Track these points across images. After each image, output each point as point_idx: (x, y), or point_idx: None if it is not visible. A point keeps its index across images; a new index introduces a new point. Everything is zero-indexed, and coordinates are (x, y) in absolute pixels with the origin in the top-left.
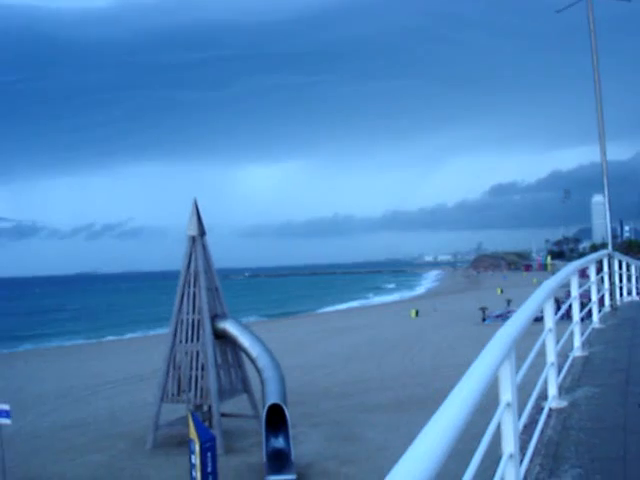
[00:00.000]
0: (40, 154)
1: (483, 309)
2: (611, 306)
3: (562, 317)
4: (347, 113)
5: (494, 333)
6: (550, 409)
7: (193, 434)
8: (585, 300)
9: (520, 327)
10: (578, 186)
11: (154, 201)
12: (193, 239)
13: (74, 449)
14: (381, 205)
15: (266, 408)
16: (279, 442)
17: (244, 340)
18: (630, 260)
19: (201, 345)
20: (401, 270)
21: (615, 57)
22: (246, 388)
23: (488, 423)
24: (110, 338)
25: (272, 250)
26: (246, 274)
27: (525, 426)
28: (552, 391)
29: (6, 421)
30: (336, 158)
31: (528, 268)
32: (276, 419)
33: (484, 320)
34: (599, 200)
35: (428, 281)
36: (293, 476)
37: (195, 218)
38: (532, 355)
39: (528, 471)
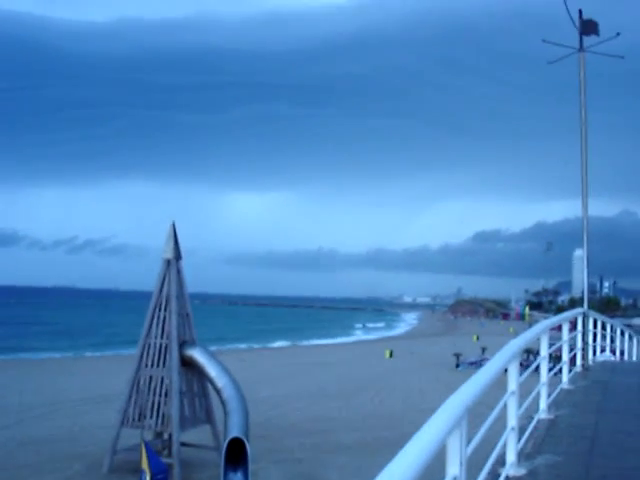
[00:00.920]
0: (26, 163)
1: (457, 355)
2: (582, 366)
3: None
4: (338, 148)
5: (466, 380)
6: (507, 477)
7: (145, 465)
8: (557, 353)
9: (475, 394)
10: (561, 239)
11: (138, 220)
12: (168, 262)
13: (28, 467)
14: (365, 242)
15: (227, 441)
16: (237, 477)
17: (211, 369)
18: (605, 319)
19: (167, 371)
20: (380, 309)
21: (608, 113)
22: (209, 418)
23: None
24: (79, 354)
25: (253, 279)
26: (220, 301)
27: None
28: (510, 457)
29: None
30: (324, 192)
31: (506, 317)
32: (237, 453)
33: (457, 366)
34: (581, 254)
35: (406, 322)
36: None
37: (172, 241)
38: (490, 420)
39: None
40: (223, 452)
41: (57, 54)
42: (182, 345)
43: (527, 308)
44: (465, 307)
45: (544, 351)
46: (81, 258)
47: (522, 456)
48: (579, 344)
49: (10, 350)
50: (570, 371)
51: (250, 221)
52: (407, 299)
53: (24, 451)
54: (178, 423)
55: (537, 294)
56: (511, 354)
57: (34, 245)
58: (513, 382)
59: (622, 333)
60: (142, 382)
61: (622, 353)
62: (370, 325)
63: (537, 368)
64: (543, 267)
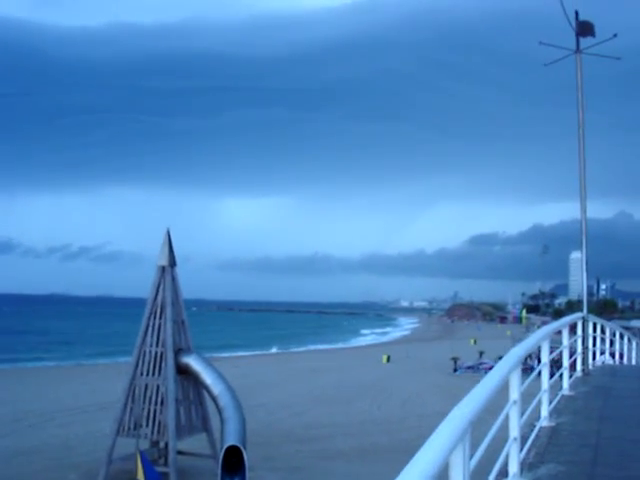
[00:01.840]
0: (21, 170)
1: (455, 359)
2: (583, 371)
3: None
4: (333, 152)
5: (464, 384)
6: None
7: (140, 475)
8: (556, 357)
9: (478, 407)
10: (558, 241)
11: (132, 227)
12: (163, 269)
13: (23, 477)
14: (361, 247)
15: (224, 449)
16: None
17: (207, 377)
18: (604, 322)
19: (162, 379)
20: (376, 314)
21: (604, 115)
22: (205, 426)
23: None
24: (74, 363)
25: (249, 284)
26: (214, 307)
27: None
28: (513, 468)
29: None
30: (319, 197)
31: (503, 320)
32: (234, 461)
33: (455, 371)
34: (577, 257)
35: (402, 327)
36: None
37: (166, 248)
38: (492, 431)
39: None
40: (220, 460)
41: (50, 60)
42: (178, 353)
43: (524, 311)
44: (462, 311)
45: (545, 357)
46: (75, 265)
47: (525, 466)
48: (579, 349)
49: (5, 359)
50: (570, 376)
51: (245, 227)
52: (404, 303)
53: (19, 461)
54: (174, 431)
55: (534, 297)
56: (513, 363)
57: (28, 253)
58: (515, 391)
59: (621, 336)
60: (138, 390)
61: (621, 356)
62: (367, 330)
63: (538, 373)
64: (540, 270)
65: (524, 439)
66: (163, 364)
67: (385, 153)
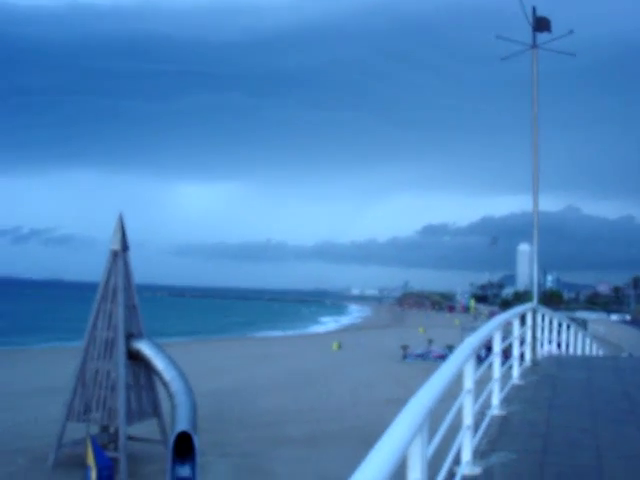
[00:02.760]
0: None
1: (404, 347)
2: (532, 361)
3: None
4: (288, 140)
5: (413, 372)
6: (463, 477)
7: (91, 460)
8: (506, 347)
9: (436, 396)
10: (507, 233)
11: (85, 210)
12: (115, 254)
13: None
14: (314, 235)
15: (174, 435)
16: (185, 470)
17: (158, 362)
18: (552, 313)
19: (113, 364)
20: (328, 301)
21: (557, 110)
22: (156, 412)
23: None
24: (22, 347)
25: (201, 270)
26: (165, 293)
27: None
28: (466, 456)
29: None
30: (273, 183)
31: (452, 309)
32: (184, 446)
33: (405, 358)
34: (525, 248)
35: (353, 314)
36: None
37: (119, 232)
38: (448, 420)
39: None
40: (170, 446)
41: (5, 38)
42: (129, 338)
43: (472, 301)
44: (412, 300)
45: (497, 347)
46: (26, 248)
47: (477, 454)
48: (528, 339)
49: None
50: (519, 366)
51: (199, 212)
52: (355, 291)
53: None
54: (125, 417)
55: (482, 287)
56: (468, 353)
57: None
58: (469, 380)
59: (568, 327)
60: (88, 375)
61: (567, 346)
62: (318, 317)
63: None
64: (488, 261)
65: (476, 428)
66: (114, 349)
67: (339, 141)
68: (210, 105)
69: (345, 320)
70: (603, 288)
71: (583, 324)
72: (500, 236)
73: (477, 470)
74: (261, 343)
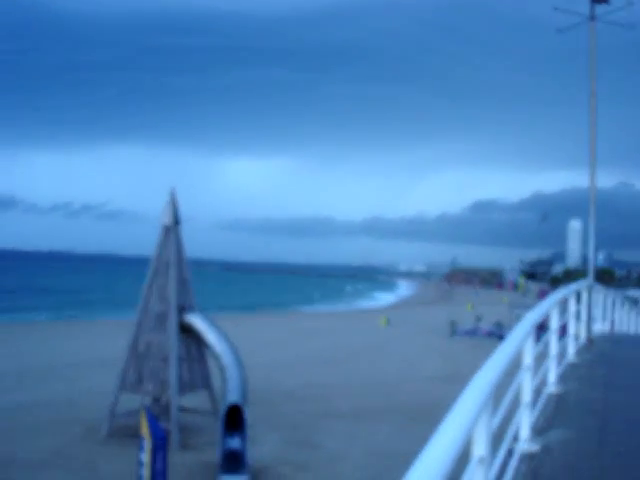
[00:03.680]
0: (24, 127)
1: (452, 323)
2: (587, 339)
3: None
4: (337, 115)
5: (461, 348)
6: (522, 453)
7: (145, 431)
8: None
9: (500, 371)
10: (558, 209)
11: (135, 185)
12: (167, 228)
13: (27, 431)
14: (362, 210)
15: (225, 407)
16: (235, 442)
17: (209, 335)
18: (608, 292)
19: (165, 337)
20: (376, 277)
21: (610, 85)
22: (207, 384)
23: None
24: (77, 318)
25: (250, 245)
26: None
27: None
28: (525, 433)
29: None
30: (322, 159)
31: (500, 286)
32: (234, 419)
33: (453, 334)
34: (575, 225)
35: (401, 290)
36: (246, 478)
37: (171, 207)
38: (509, 396)
39: None
40: (221, 417)
41: (57, 16)
42: (181, 311)
43: (521, 278)
44: (460, 276)
45: (555, 325)
46: (79, 223)
47: (535, 431)
48: (584, 317)
49: (6, 314)
50: (575, 344)
51: (248, 187)
52: (403, 267)
53: (23, 415)
54: (176, 388)
55: (532, 264)
56: (528, 329)
57: (31, 209)
58: (528, 357)
59: (622, 305)
60: (141, 347)
61: (621, 325)
62: (365, 292)
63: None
64: (538, 237)
65: (533, 405)
66: (166, 322)
67: (389, 117)
68: (258, 80)
69: (393, 296)
70: None
71: (634, 302)
72: (550, 212)
73: (535, 447)
74: (310, 318)
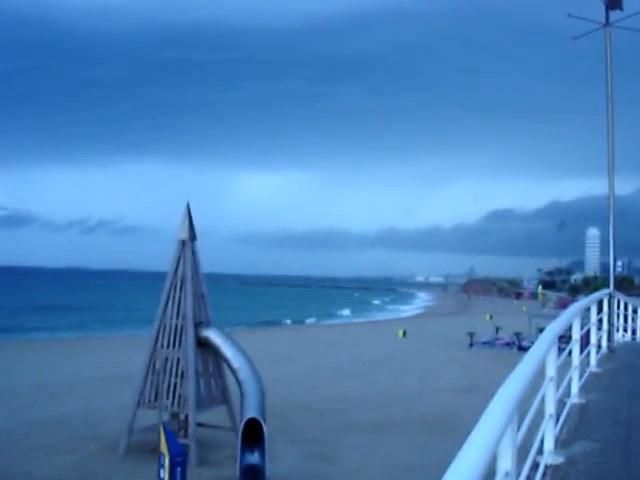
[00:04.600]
0: (40, 144)
1: (471, 334)
2: (608, 348)
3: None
4: (351, 127)
5: (480, 359)
6: (546, 466)
7: (164, 447)
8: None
9: (524, 384)
10: (575, 218)
11: (150, 200)
12: (183, 243)
13: (44, 448)
14: (378, 222)
15: (244, 422)
16: (254, 457)
17: (227, 350)
18: (629, 300)
19: (182, 352)
20: (392, 289)
21: (622, 90)
22: (225, 399)
23: None
24: (93, 335)
25: (265, 259)
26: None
27: None
28: (549, 445)
29: None
30: (337, 171)
31: (519, 296)
32: (253, 433)
33: (471, 346)
34: (594, 233)
35: (418, 302)
36: None
37: (187, 222)
38: (533, 409)
39: None
40: (240, 432)
41: (69, 32)
42: (197, 325)
43: (540, 287)
44: (477, 286)
45: (576, 334)
46: (94, 239)
47: (559, 442)
48: (605, 326)
49: (24, 331)
50: (597, 353)
51: (263, 201)
52: (419, 278)
53: (39, 432)
54: (194, 404)
55: (550, 273)
56: (550, 340)
57: (47, 226)
58: (551, 368)
59: None
60: (158, 363)
61: None
62: (381, 304)
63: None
64: (556, 246)
65: (557, 416)
66: (183, 337)
67: (403, 127)
68: (273, 93)
69: (410, 307)
70: None
71: None
72: (568, 221)
73: (560, 459)
74: (327, 330)
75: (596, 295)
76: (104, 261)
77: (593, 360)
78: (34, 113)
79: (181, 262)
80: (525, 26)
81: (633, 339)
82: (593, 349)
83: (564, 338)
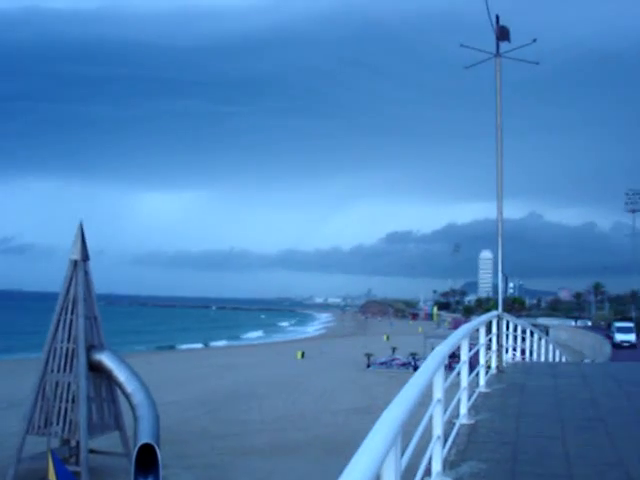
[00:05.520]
0: None
1: (368, 355)
2: (497, 368)
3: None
4: (251, 148)
5: (377, 380)
6: None
7: (52, 474)
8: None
9: (409, 407)
10: (470, 240)
11: (45, 219)
12: (75, 263)
13: None
14: (278, 243)
15: (137, 447)
16: None
17: (120, 374)
18: (517, 321)
19: (74, 376)
20: (291, 310)
21: (516, 118)
22: (118, 424)
23: None
24: None
25: (163, 279)
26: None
27: None
28: (436, 466)
29: None
30: (236, 191)
31: (415, 317)
32: (147, 459)
33: (369, 366)
34: (487, 256)
35: (317, 323)
36: None
37: (79, 242)
38: (419, 431)
39: None
40: (133, 458)
41: None
42: (90, 349)
43: (435, 308)
44: (375, 307)
45: (465, 355)
46: None
47: (447, 464)
48: (494, 346)
49: None
50: (486, 374)
51: (161, 221)
52: (318, 300)
53: None
54: (86, 430)
55: (445, 294)
56: (438, 362)
57: None
58: (439, 390)
59: (531, 334)
60: (48, 388)
61: (531, 353)
62: (281, 325)
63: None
64: (451, 268)
65: (445, 437)
66: (75, 361)
67: (303, 149)
68: (173, 112)
69: (308, 328)
70: (564, 294)
71: (545, 330)
72: (463, 243)
73: None
74: (223, 352)
75: (485, 317)
76: None
77: (482, 380)
78: None
79: (73, 283)
80: (423, 53)
81: (523, 359)
82: (482, 369)
83: (457, 358)
